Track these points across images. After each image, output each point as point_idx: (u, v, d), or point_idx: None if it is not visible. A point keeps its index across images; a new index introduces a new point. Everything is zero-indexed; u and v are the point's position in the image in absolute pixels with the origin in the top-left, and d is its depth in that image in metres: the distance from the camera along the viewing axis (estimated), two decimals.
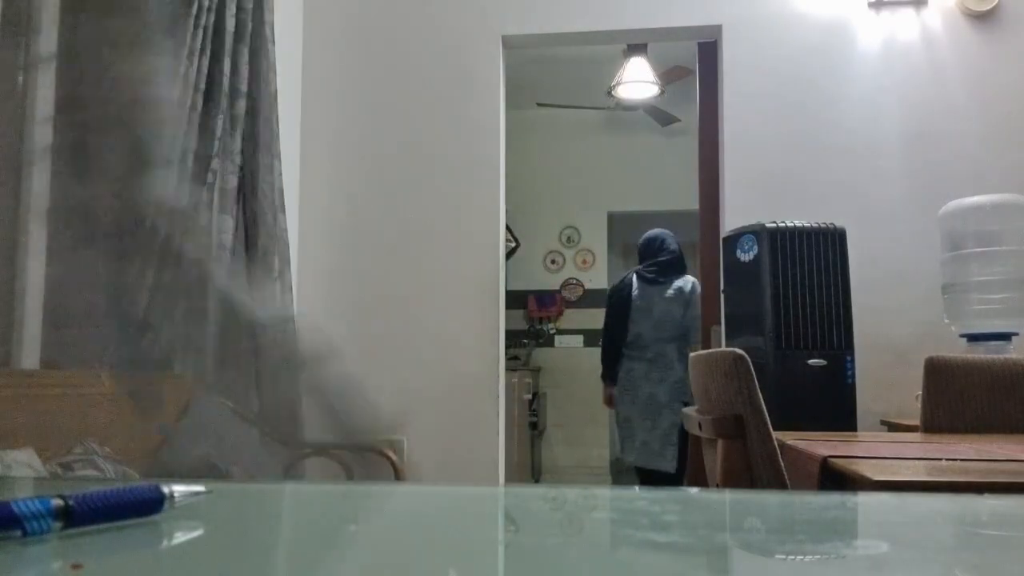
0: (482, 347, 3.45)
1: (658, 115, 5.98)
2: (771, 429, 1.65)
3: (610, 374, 4.28)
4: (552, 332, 6.94)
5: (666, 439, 4.02)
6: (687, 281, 4.18)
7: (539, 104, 6.27)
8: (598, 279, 6.90)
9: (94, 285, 2.05)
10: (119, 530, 0.39)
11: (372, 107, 3.58)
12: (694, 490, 0.59)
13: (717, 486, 1.75)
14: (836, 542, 0.45)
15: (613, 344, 4.25)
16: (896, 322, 3.24)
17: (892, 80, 3.37)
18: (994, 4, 3.32)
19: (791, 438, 1.69)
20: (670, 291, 4.16)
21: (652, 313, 4.15)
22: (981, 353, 2.65)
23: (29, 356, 2.10)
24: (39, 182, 2.15)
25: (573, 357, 6.83)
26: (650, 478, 4.07)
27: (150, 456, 2.15)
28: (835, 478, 1.30)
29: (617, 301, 4.27)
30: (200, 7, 2.52)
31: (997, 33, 3.34)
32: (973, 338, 2.91)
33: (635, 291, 4.21)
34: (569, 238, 6.94)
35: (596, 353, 6.81)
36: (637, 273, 4.27)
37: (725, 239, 3.06)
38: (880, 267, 3.26)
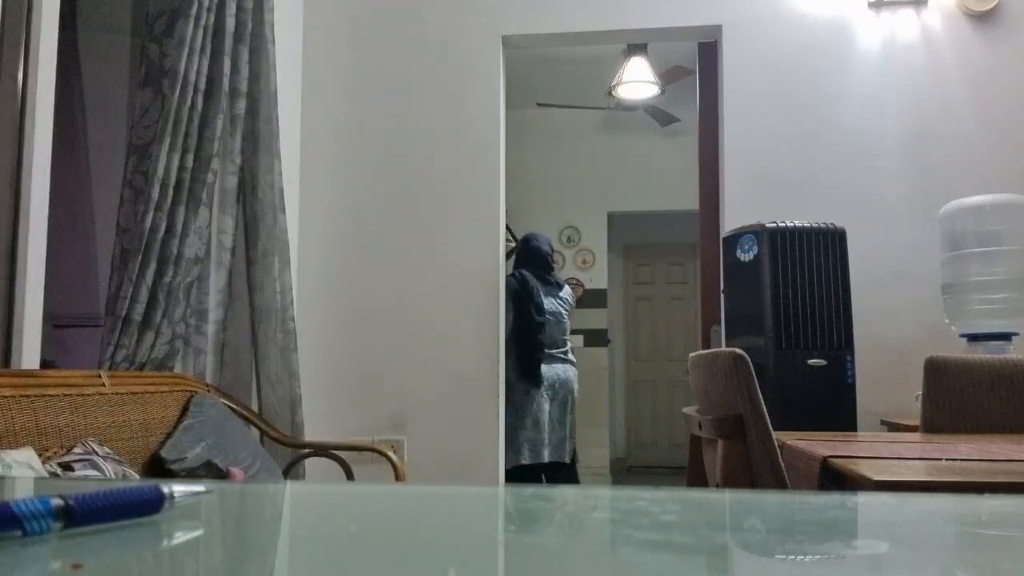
0: (482, 347, 3.45)
1: (658, 115, 5.98)
2: (771, 429, 1.65)
3: (539, 378, 4.27)
4: None
5: (571, 431, 4.40)
6: (566, 287, 4.62)
7: (539, 104, 6.27)
8: (598, 279, 6.90)
9: None
10: (119, 530, 0.39)
11: (372, 107, 3.58)
12: (694, 490, 0.59)
13: (717, 486, 1.75)
14: (836, 542, 0.45)
15: (542, 347, 4.29)
16: (896, 322, 3.24)
17: (892, 80, 3.37)
18: (994, 4, 3.31)
19: (791, 438, 1.69)
20: (563, 293, 4.51)
21: (558, 315, 4.42)
22: (981, 353, 2.65)
23: (29, 356, 2.10)
24: (39, 182, 2.15)
25: None
26: (549, 472, 4.34)
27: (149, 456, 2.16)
28: (835, 478, 1.30)
29: (534, 304, 4.29)
30: (200, 7, 2.52)
31: (997, 33, 3.34)
32: (973, 338, 2.91)
33: (541, 294, 4.33)
34: (569, 238, 6.93)
35: (597, 353, 6.86)
36: (536, 275, 4.36)
37: (725, 239, 3.06)
38: (880, 267, 3.26)
